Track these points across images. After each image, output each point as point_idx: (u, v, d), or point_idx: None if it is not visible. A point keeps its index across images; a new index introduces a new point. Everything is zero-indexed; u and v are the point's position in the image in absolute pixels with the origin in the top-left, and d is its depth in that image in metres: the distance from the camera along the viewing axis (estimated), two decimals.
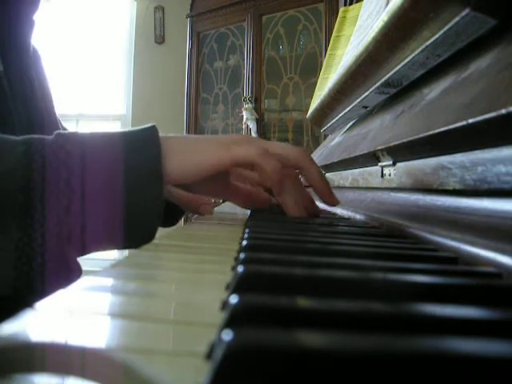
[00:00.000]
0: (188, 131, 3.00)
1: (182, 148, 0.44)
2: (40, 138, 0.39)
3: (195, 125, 3.02)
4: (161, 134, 0.42)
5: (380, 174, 0.51)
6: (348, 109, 0.77)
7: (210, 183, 0.47)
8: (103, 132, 0.41)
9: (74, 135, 0.40)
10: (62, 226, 0.36)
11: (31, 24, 0.60)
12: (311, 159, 0.49)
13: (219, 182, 0.49)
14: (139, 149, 0.40)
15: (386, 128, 0.52)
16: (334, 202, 0.50)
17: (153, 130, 0.42)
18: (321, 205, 0.57)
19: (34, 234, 0.35)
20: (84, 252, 0.37)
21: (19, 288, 0.35)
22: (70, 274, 0.36)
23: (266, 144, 0.47)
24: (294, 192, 0.50)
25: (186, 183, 0.45)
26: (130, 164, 0.39)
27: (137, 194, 0.39)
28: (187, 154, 0.43)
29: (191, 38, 3.04)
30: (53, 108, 0.65)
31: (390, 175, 0.49)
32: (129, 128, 0.43)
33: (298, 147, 0.50)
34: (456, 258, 0.27)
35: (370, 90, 0.62)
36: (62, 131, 0.40)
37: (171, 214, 0.62)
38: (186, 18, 3.05)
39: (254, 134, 2.64)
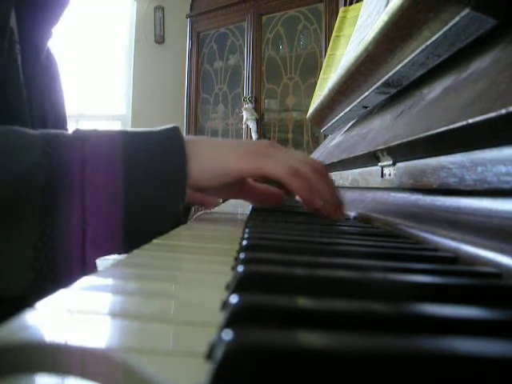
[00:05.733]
0: (188, 131, 3.00)
1: (208, 152, 0.43)
2: (59, 134, 0.38)
3: (195, 125, 3.02)
4: (186, 137, 0.42)
5: (380, 173, 0.51)
6: (348, 109, 0.77)
7: (226, 186, 0.46)
8: (126, 131, 0.41)
9: (93, 133, 0.39)
10: (82, 227, 0.36)
11: (48, 35, 0.58)
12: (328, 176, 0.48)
13: (236, 184, 0.48)
14: (165, 154, 0.39)
15: (386, 128, 0.52)
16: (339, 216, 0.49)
17: (177, 132, 0.41)
18: None
19: (52, 235, 0.35)
20: (100, 252, 0.37)
21: (35, 289, 0.34)
22: (85, 274, 0.36)
23: (291, 158, 0.45)
24: (323, 195, 0.47)
25: (209, 187, 0.44)
26: (153, 170, 0.39)
27: (158, 200, 0.38)
28: (213, 159, 0.43)
29: (191, 38, 3.04)
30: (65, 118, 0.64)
31: (390, 175, 0.49)
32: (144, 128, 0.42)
33: (318, 162, 0.50)
34: (456, 258, 0.27)
35: (370, 90, 0.62)
36: (80, 129, 0.39)
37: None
38: (186, 18, 3.05)
39: (253, 134, 2.64)
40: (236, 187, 0.49)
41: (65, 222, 0.35)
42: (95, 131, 0.40)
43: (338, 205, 0.49)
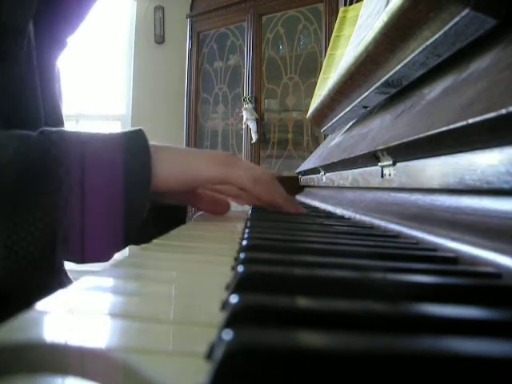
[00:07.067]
0: (188, 131, 3.00)
1: (176, 158, 0.46)
2: (31, 135, 0.39)
3: (195, 125, 3.02)
4: (154, 143, 0.43)
5: (380, 173, 0.51)
6: (348, 109, 0.77)
7: (183, 193, 0.50)
8: (98, 134, 0.42)
9: (63, 134, 0.40)
10: (53, 225, 0.36)
11: (63, 45, 0.60)
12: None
13: (190, 191, 0.52)
14: (131, 154, 0.41)
15: (385, 128, 0.52)
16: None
17: (141, 134, 0.43)
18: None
19: (22, 233, 0.35)
20: (70, 253, 0.38)
21: (8, 285, 0.35)
22: (55, 273, 0.36)
23: (251, 168, 0.51)
24: (282, 195, 0.55)
25: (176, 190, 0.46)
26: (121, 169, 0.40)
27: (127, 198, 0.40)
28: (180, 164, 0.45)
29: (191, 38, 3.04)
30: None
31: (390, 175, 0.49)
32: (128, 128, 0.44)
33: (269, 171, 0.59)
34: (456, 258, 0.27)
35: (370, 90, 0.62)
36: (49, 128, 0.40)
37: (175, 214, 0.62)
38: (186, 18, 3.05)
39: (253, 134, 2.63)
40: (190, 194, 0.52)
41: (37, 222, 0.36)
42: (62, 133, 0.40)
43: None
